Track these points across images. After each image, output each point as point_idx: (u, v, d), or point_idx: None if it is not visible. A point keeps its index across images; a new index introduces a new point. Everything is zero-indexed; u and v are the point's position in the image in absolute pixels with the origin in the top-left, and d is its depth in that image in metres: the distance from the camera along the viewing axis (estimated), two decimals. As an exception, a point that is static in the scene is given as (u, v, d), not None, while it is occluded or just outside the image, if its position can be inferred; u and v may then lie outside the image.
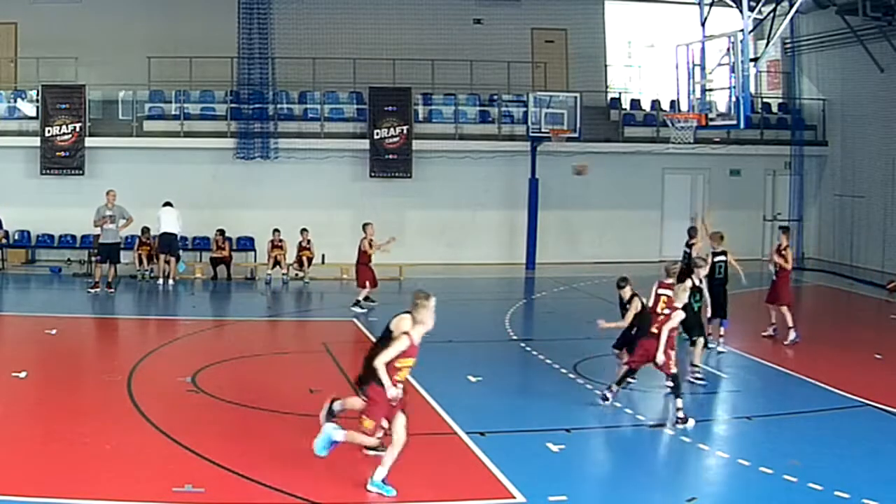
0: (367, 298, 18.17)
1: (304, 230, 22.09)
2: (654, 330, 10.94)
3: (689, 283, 12.12)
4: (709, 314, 14.55)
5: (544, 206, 24.51)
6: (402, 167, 24.59)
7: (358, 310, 17.84)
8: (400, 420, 8.57)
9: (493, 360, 14.45)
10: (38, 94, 23.31)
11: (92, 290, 19.58)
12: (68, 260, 23.30)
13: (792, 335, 15.49)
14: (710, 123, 18.28)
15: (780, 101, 28.15)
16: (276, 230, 22.01)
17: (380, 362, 8.42)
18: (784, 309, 15.65)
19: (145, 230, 21.69)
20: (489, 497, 8.59)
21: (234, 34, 23.64)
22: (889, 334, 17.89)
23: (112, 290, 19.69)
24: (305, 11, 24.59)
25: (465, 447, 9.89)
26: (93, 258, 21.04)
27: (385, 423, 8.63)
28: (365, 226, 18.35)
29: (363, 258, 18.18)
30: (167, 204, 21.30)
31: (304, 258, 22.07)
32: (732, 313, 15.55)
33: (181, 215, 21.35)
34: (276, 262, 21.91)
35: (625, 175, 25.93)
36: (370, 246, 18.10)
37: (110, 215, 19.55)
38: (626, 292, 12.11)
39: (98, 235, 20.21)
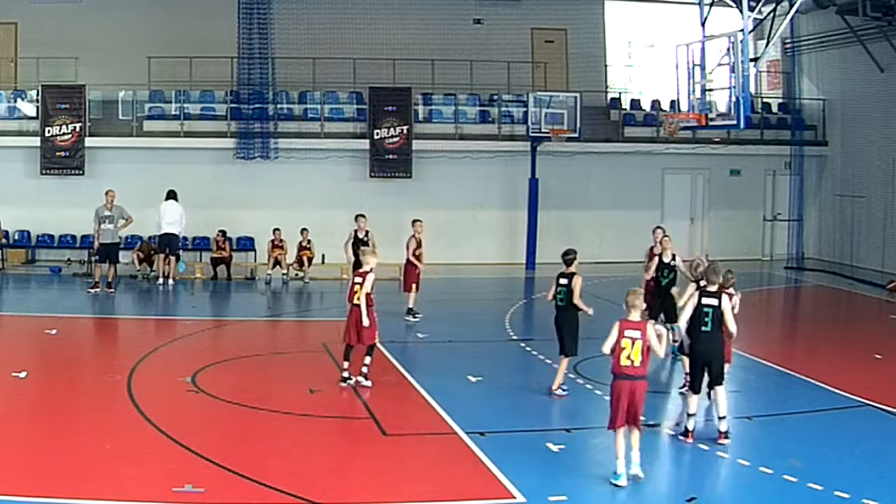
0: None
1: (304, 230, 22.09)
2: None
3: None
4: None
5: (544, 206, 24.50)
6: (402, 167, 24.58)
7: (412, 319, 16.84)
8: None
9: (493, 360, 14.44)
10: (38, 94, 23.30)
11: (92, 290, 19.56)
12: (68, 260, 23.29)
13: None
14: (710, 123, 18.29)
15: (780, 101, 28.14)
16: (276, 230, 21.99)
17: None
18: None
19: (148, 239, 21.75)
20: (489, 497, 8.58)
21: (234, 34, 23.62)
22: (889, 334, 17.86)
23: (112, 290, 19.67)
24: (305, 11, 24.59)
25: (465, 447, 9.87)
26: (92, 258, 21.04)
27: None
28: (414, 222, 17.58)
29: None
30: (171, 196, 21.06)
31: (305, 258, 22.07)
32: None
33: (184, 211, 21.12)
34: (277, 262, 21.89)
35: (625, 175, 25.93)
36: (418, 246, 17.14)
37: (108, 216, 19.56)
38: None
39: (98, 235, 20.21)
